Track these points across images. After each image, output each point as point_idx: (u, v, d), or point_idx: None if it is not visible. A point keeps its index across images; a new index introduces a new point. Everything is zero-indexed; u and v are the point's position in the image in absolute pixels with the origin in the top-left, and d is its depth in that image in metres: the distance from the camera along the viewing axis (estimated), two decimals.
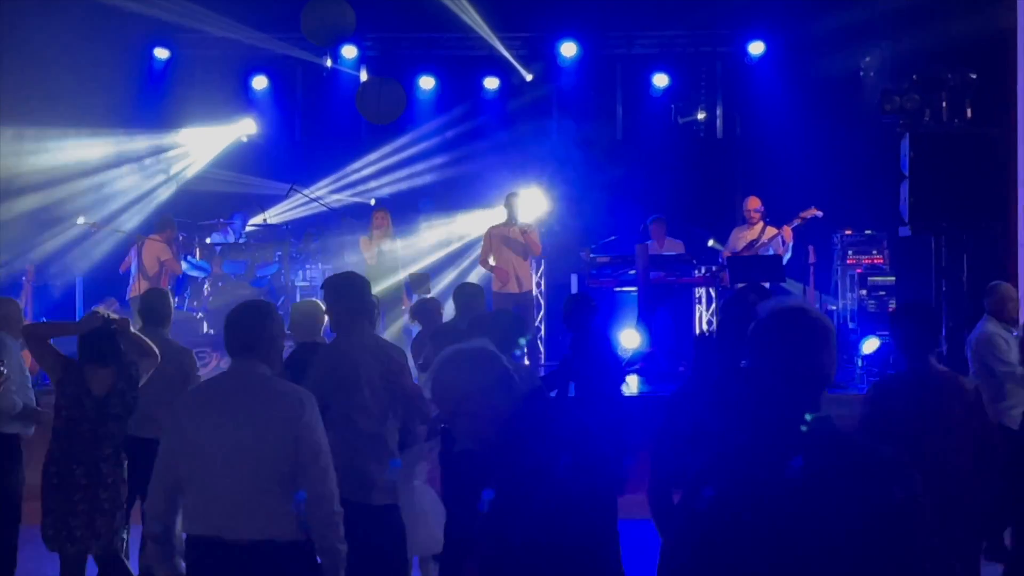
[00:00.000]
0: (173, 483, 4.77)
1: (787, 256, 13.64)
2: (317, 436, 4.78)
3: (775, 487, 2.97)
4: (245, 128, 16.83)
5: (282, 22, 15.33)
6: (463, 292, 9.24)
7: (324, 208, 15.85)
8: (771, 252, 13.61)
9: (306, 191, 15.82)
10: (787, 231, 13.61)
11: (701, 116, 16.99)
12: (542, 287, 15.22)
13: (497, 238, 13.66)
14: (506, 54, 16.55)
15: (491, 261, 13.66)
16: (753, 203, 14.01)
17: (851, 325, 13.96)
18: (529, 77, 16.82)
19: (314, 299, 8.79)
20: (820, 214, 13.58)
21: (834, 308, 14.01)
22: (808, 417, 3.04)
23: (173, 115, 16.47)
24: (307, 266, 15.20)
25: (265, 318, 4.94)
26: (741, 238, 13.96)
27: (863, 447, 3.09)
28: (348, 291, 6.34)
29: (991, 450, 5.78)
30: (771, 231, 13.72)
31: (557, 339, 14.78)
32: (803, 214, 13.58)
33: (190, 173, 16.82)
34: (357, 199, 16.08)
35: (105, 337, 6.84)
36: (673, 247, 14.49)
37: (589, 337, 8.89)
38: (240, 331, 4.88)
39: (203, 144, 16.82)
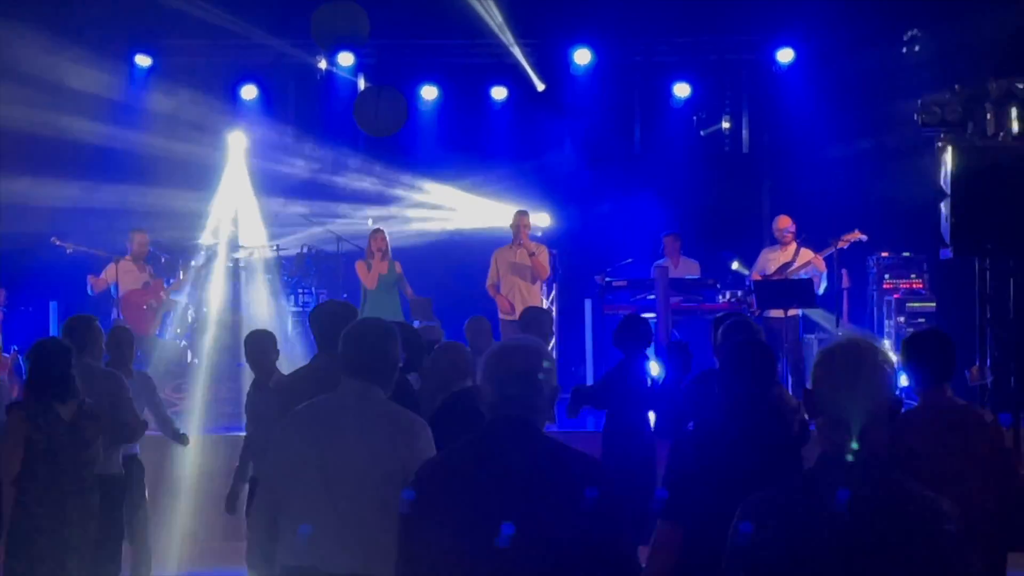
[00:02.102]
0: (275, 507, 4.79)
1: (823, 286, 13.44)
2: None
3: (826, 521, 3.21)
4: (236, 142, 16.72)
5: (275, 24, 15.33)
6: (469, 328, 9.61)
7: (319, 228, 15.77)
8: (805, 276, 13.44)
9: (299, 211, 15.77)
10: (819, 260, 13.43)
11: (726, 126, 16.83)
12: (553, 313, 15.07)
13: (503, 261, 13.56)
14: (516, 62, 16.42)
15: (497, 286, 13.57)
16: (784, 222, 13.85)
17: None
18: (541, 87, 16.65)
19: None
20: (865, 238, 13.40)
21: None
22: (854, 446, 3.28)
23: (155, 127, 16.38)
24: (300, 290, 15.10)
25: (389, 339, 4.96)
26: (771, 260, 13.79)
27: (905, 483, 3.34)
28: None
29: (1015, 488, 5.72)
30: (807, 253, 13.55)
31: (569, 369, 14.66)
32: (845, 237, 13.34)
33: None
34: (351, 222, 15.85)
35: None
36: (688, 267, 14.38)
37: (635, 363, 8.86)
38: (362, 350, 4.89)
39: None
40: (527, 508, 3.61)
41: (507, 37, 16.06)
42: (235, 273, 14.83)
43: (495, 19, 15.74)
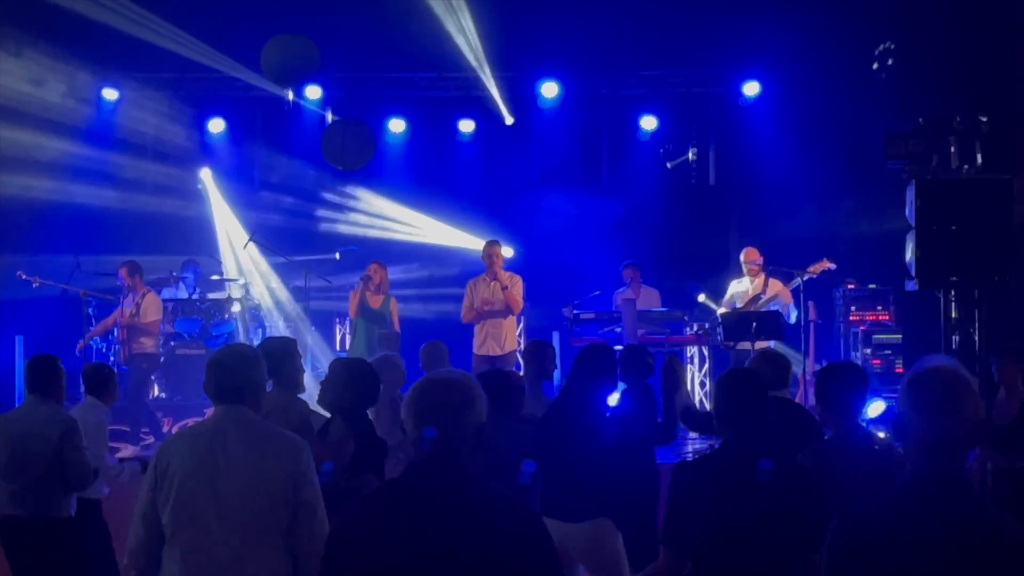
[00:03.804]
0: (156, 535, 4.82)
1: (793, 315, 13.51)
2: (316, 482, 4.92)
3: (919, 541, 3.37)
4: (202, 176, 16.89)
5: (241, 57, 15.45)
6: (424, 352, 9.51)
7: (285, 261, 15.84)
8: (775, 308, 13.49)
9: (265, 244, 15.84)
10: (785, 292, 13.49)
11: (691, 156, 16.91)
12: (520, 346, 15.15)
13: (477, 294, 13.47)
14: (484, 94, 16.54)
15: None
16: (751, 254, 13.88)
17: None
18: (510, 120, 16.76)
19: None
20: (833, 266, 13.46)
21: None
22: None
23: (123, 161, 16.49)
24: (266, 324, 15.15)
25: (253, 362, 5.07)
26: (740, 293, 13.81)
27: (992, 507, 3.50)
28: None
29: None
30: (776, 284, 13.58)
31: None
32: (813, 267, 13.40)
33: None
34: (320, 256, 15.88)
35: None
36: (649, 296, 14.46)
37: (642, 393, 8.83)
38: (228, 375, 4.98)
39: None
40: (447, 563, 3.48)
41: (475, 70, 16.17)
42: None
43: (462, 52, 15.86)
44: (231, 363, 5.02)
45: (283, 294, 16.03)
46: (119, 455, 11.87)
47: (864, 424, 6.08)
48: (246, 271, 16.38)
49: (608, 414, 7.47)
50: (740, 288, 13.85)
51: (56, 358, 7.97)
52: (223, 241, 16.72)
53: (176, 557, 4.76)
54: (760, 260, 13.78)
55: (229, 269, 16.30)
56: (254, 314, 15.02)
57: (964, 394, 3.46)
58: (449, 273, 15.85)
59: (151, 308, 13.68)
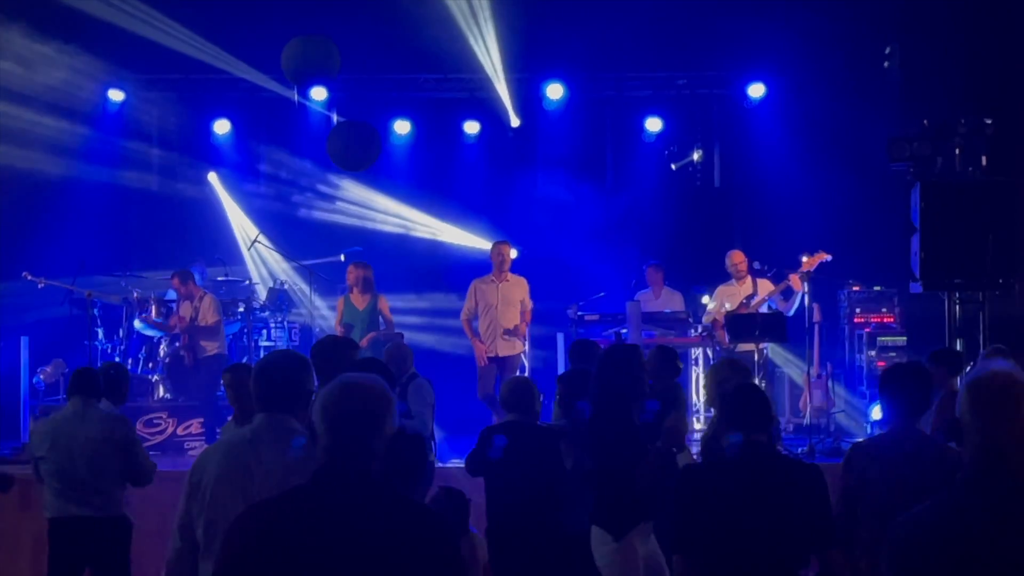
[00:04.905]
0: (192, 547, 4.72)
1: (795, 307, 13.48)
2: None
3: (982, 544, 3.42)
4: (210, 179, 17.00)
5: (247, 57, 15.53)
6: (387, 353, 9.42)
7: (292, 262, 15.92)
8: (770, 307, 13.53)
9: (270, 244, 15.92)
10: (795, 280, 13.36)
11: (696, 157, 16.95)
12: (526, 347, 15.19)
13: (483, 295, 13.46)
14: (489, 96, 16.59)
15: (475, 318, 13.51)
16: (737, 257, 13.91)
17: (863, 389, 13.98)
18: (516, 122, 16.78)
19: None
20: (829, 258, 13.47)
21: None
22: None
23: (128, 163, 16.58)
24: (272, 324, 15.20)
25: (300, 370, 4.90)
26: (730, 295, 13.80)
27: None
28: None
29: None
30: (765, 285, 13.59)
31: (546, 403, 14.72)
32: (809, 261, 13.32)
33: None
34: (326, 260, 15.91)
35: None
36: (671, 298, 14.39)
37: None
38: (272, 383, 4.82)
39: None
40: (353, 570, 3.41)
41: (480, 72, 16.23)
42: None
43: (468, 54, 15.91)
44: (277, 371, 4.86)
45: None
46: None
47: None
48: (261, 273, 16.54)
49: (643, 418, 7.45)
50: (730, 291, 13.85)
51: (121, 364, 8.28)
52: (241, 241, 16.78)
53: (211, 570, 4.51)
54: (746, 262, 13.81)
55: (251, 268, 16.46)
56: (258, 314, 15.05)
57: (1021, 398, 3.53)
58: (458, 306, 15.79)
59: (210, 310, 13.85)
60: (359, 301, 13.47)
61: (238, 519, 3.63)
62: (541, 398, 8.30)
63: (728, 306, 13.60)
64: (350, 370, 3.85)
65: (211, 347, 13.82)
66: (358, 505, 3.45)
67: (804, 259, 13.28)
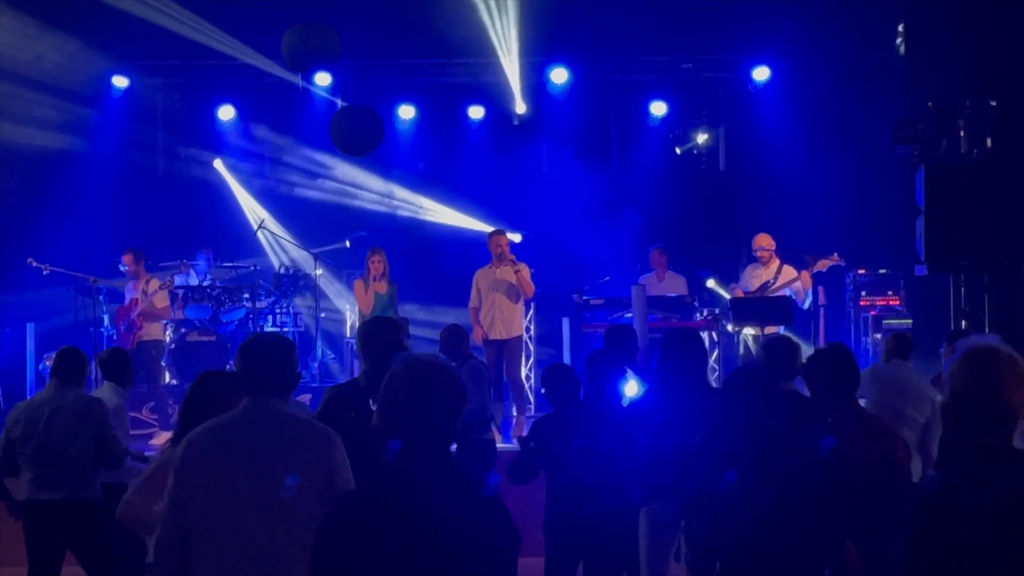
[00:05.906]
0: (182, 533, 4.63)
1: (807, 302, 13.54)
2: (350, 477, 4.71)
3: (989, 514, 3.45)
4: (216, 165, 17.03)
5: (252, 43, 15.56)
6: (443, 335, 9.80)
7: (297, 248, 15.95)
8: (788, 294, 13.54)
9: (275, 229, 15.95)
10: (807, 277, 13.45)
11: (701, 140, 16.95)
12: (531, 332, 15.23)
13: (483, 281, 13.49)
14: (493, 81, 16.62)
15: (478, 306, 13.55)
16: (763, 240, 13.89)
17: None
18: (522, 108, 16.80)
19: None
20: (843, 263, 13.49)
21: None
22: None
23: (133, 149, 16.63)
24: (277, 310, 15.22)
25: (286, 351, 4.88)
26: (755, 277, 13.83)
27: None
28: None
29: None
30: (789, 271, 13.61)
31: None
32: (821, 263, 13.44)
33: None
34: (331, 247, 15.90)
35: None
36: (675, 282, 14.39)
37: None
38: (259, 365, 4.80)
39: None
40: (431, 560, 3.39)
41: (485, 57, 16.24)
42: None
43: (472, 39, 15.91)
44: (262, 352, 4.84)
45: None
46: (153, 441, 12.04)
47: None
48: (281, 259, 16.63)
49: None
50: (756, 273, 13.88)
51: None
52: (254, 225, 16.78)
53: (202, 555, 4.58)
54: (772, 246, 13.79)
55: (269, 255, 16.67)
56: (264, 300, 15.08)
57: (1008, 367, 3.54)
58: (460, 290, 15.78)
59: (158, 296, 13.81)
60: (381, 287, 13.52)
61: (334, 509, 3.59)
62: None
63: (751, 288, 13.63)
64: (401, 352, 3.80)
65: (153, 331, 13.91)
66: (440, 489, 3.43)
67: (817, 261, 13.33)
